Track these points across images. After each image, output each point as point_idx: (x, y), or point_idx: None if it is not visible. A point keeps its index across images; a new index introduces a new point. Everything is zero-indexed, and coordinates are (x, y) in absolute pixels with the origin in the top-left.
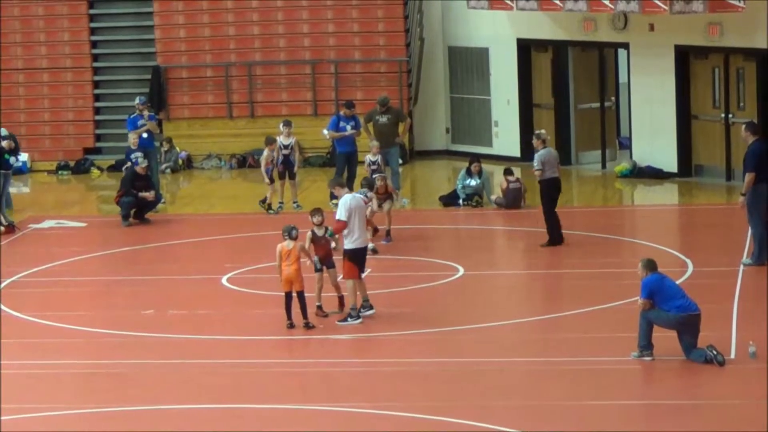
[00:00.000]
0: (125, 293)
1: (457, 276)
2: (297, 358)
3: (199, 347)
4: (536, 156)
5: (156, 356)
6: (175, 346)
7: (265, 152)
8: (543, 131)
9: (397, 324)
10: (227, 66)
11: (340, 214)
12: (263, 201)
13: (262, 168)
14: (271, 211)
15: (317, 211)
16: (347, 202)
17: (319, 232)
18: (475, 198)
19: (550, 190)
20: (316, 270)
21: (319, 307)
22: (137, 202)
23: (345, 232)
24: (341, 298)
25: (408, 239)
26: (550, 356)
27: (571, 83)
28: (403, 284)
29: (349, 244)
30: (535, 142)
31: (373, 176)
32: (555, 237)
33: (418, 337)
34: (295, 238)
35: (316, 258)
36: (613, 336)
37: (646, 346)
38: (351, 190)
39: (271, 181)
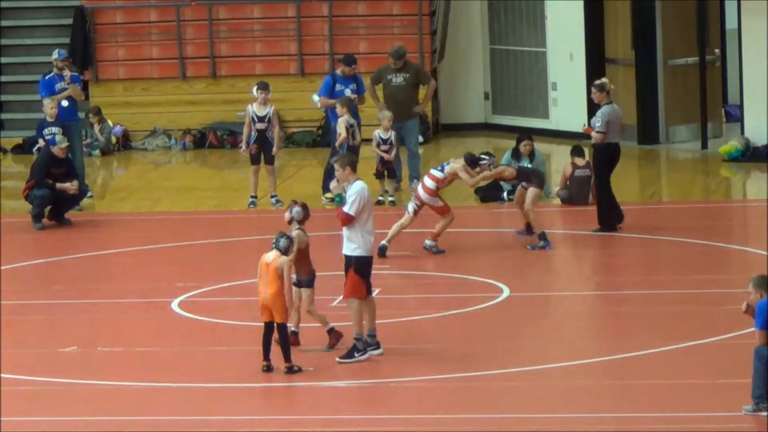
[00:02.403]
0: (38, 323)
1: (499, 299)
2: (275, 414)
3: (140, 399)
4: (599, 113)
5: (80, 411)
6: (106, 398)
7: (342, 120)
8: (606, 80)
9: (417, 366)
10: (178, 6)
11: (352, 205)
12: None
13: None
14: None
15: (290, 206)
16: (363, 191)
17: (293, 233)
18: None
19: (612, 159)
20: (293, 284)
21: (294, 334)
22: (54, 196)
23: (348, 234)
24: (330, 332)
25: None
26: (626, 410)
27: (658, 30)
28: (426, 310)
29: (354, 249)
30: (596, 94)
31: (482, 159)
32: (612, 220)
33: (445, 384)
34: (283, 250)
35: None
36: (715, 383)
37: (764, 396)
38: None
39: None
